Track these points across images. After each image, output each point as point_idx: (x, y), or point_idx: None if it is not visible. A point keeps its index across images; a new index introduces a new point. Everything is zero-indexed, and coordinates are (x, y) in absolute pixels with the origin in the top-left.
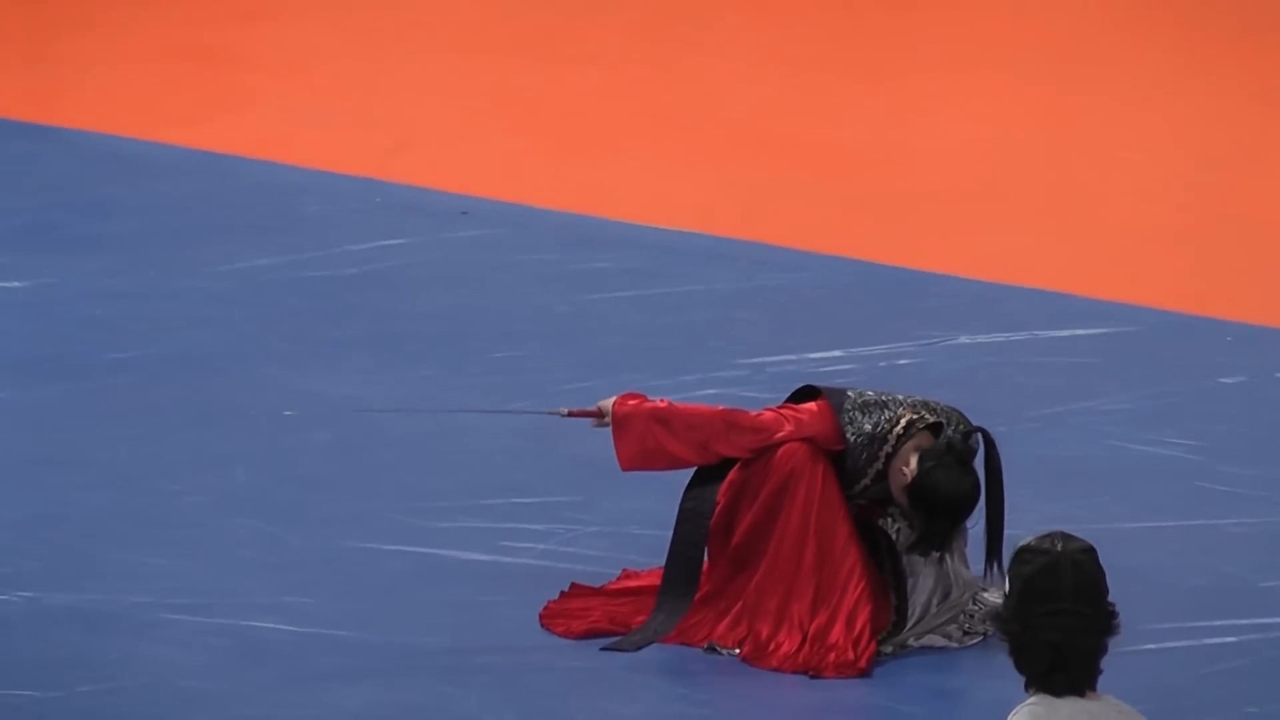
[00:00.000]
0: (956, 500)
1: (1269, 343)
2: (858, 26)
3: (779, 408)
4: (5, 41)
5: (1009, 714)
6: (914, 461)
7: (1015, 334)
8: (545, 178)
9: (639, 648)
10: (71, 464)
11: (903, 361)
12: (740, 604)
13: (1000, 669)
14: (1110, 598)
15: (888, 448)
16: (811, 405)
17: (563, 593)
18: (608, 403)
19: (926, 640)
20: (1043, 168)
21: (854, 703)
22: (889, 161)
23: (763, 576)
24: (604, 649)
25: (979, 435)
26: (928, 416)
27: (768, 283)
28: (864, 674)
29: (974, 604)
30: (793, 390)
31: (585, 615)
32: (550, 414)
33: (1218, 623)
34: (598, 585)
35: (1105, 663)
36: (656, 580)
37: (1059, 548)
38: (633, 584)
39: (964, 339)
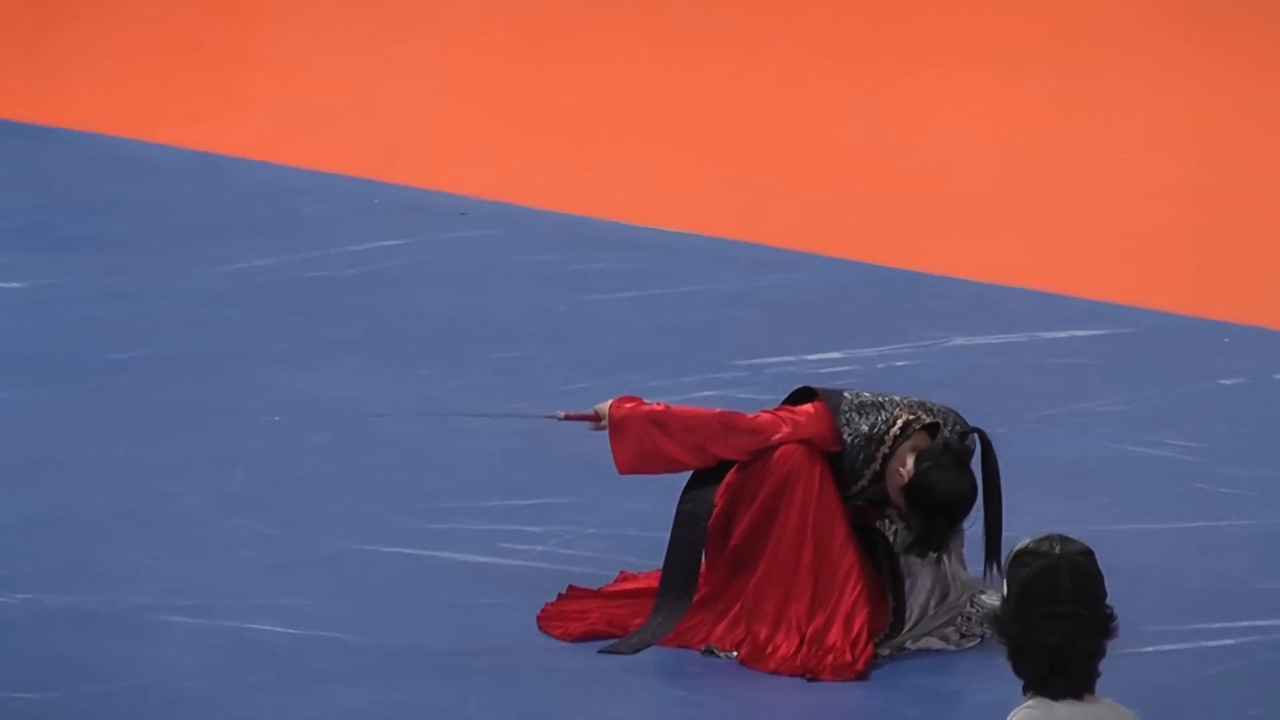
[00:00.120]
0: (953, 500)
1: (1268, 344)
2: (857, 27)
3: (776, 410)
4: (3, 41)
5: (1007, 717)
6: (911, 462)
7: (1014, 335)
8: (543, 178)
9: (637, 650)
10: (70, 465)
11: (901, 363)
12: (738, 606)
13: (998, 671)
14: (1109, 600)
15: (885, 449)
16: (808, 407)
17: (560, 595)
18: (604, 406)
19: (924, 642)
20: (1042, 168)
21: (852, 705)
22: (888, 162)
23: (760, 578)
24: (602, 651)
25: (976, 436)
26: (924, 417)
27: (766, 284)
28: (861, 676)
29: (971, 606)
30: (790, 391)
31: (583, 617)
32: (547, 418)
33: (1217, 625)
34: (595, 587)
35: (1104, 665)
36: (654, 582)
37: (1057, 550)
38: (630, 586)
39: (962, 340)
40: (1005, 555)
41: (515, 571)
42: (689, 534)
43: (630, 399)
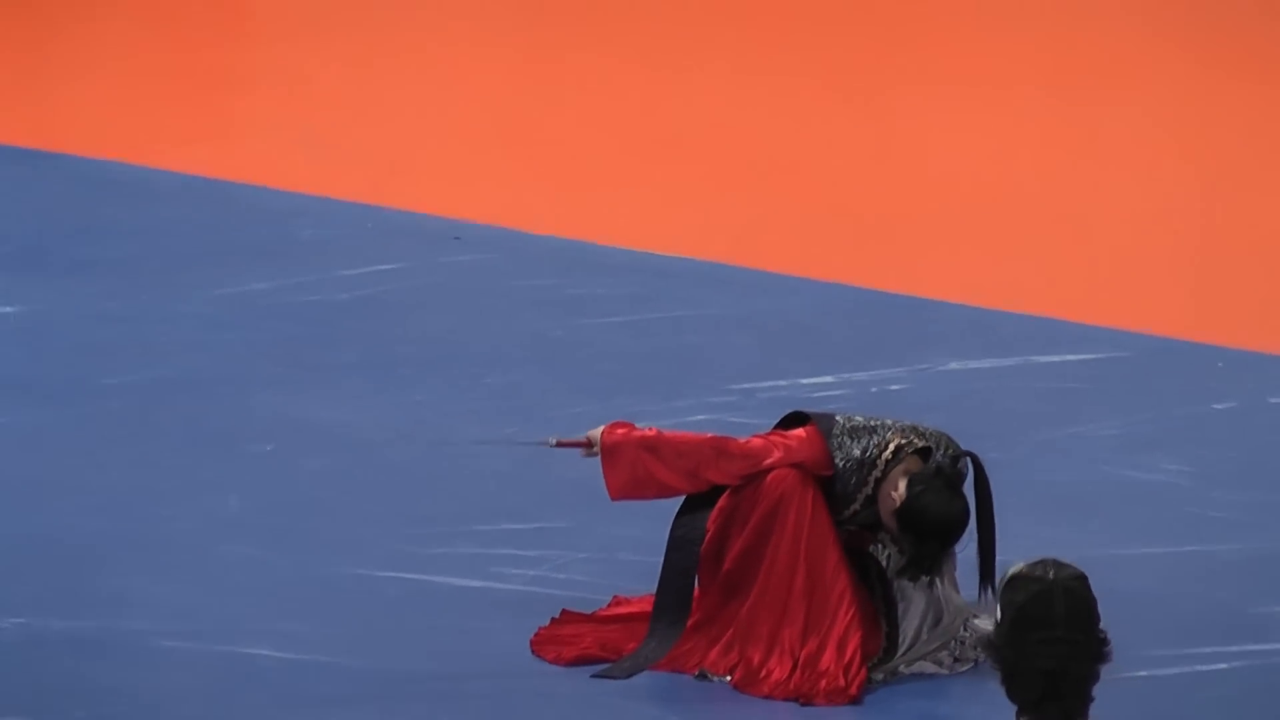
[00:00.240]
0: (945, 523)
1: (1261, 368)
2: (852, 51)
3: (768, 434)
4: None
5: None
6: (903, 486)
7: (1008, 359)
8: (538, 203)
9: (630, 674)
10: (65, 489)
11: (895, 387)
12: (731, 630)
13: (992, 696)
14: (1103, 624)
15: (877, 473)
16: (800, 431)
17: (554, 619)
18: (596, 432)
19: (918, 667)
20: (1037, 193)
21: None
22: (882, 186)
23: (753, 603)
24: (595, 675)
25: (968, 459)
26: (916, 441)
27: (760, 308)
28: (855, 701)
29: (965, 630)
30: (782, 416)
31: (577, 642)
32: (539, 444)
33: (1210, 649)
34: (589, 611)
35: (1098, 690)
36: (648, 607)
37: (1051, 575)
38: (624, 610)
39: (956, 364)
40: (999, 579)
41: (509, 595)
42: (682, 559)
43: (622, 425)
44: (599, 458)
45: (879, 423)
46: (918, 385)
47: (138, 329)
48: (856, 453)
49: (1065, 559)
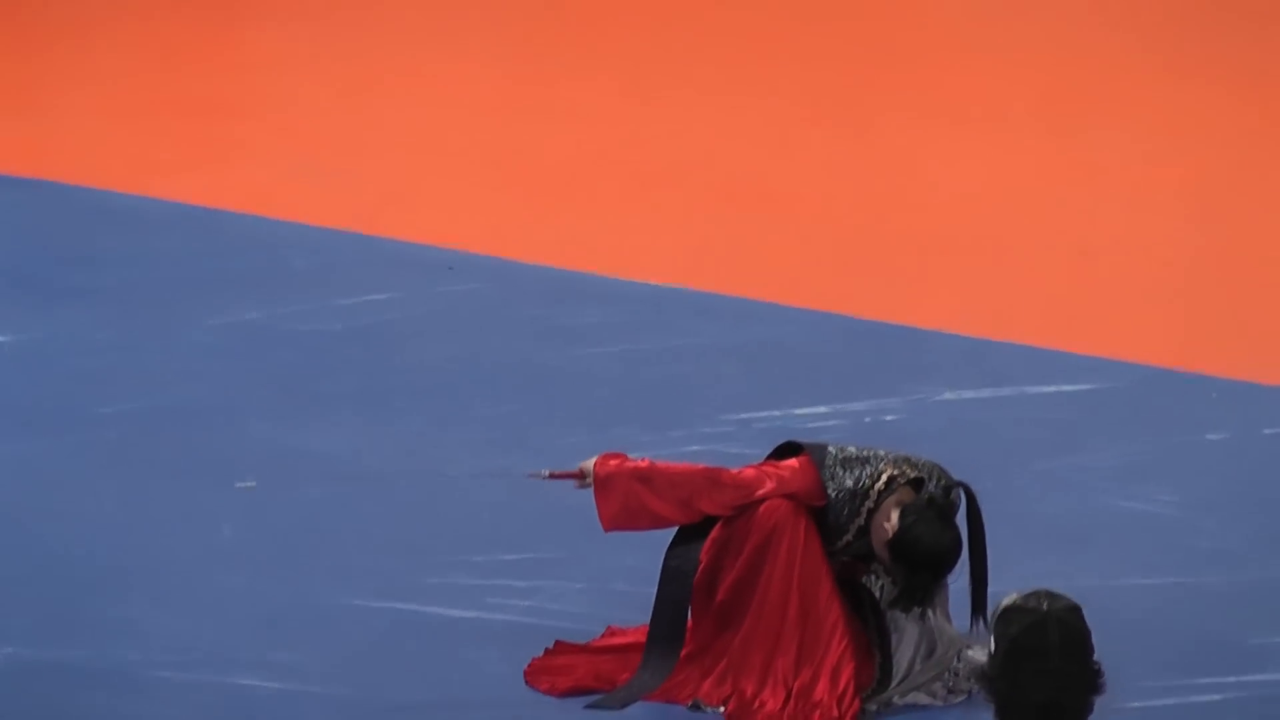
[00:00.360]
0: (937, 554)
1: (1254, 399)
2: (846, 80)
3: (761, 464)
4: None
5: None
6: (895, 516)
7: (1002, 389)
8: (531, 232)
9: (624, 705)
10: (58, 517)
11: (889, 417)
12: (725, 661)
13: None
14: (1097, 655)
15: (869, 503)
16: (793, 461)
17: (548, 649)
18: (589, 463)
19: (911, 698)
20: (1032, 223)
21: None
22: (876, 216)
23: (746, 633)
24: (589, 706)
25: (960, 490)
26: (909, 471)
27: (754, 337)
28: None
29: (959, 661)
30: (775, 446)
31: (570, 672)
32: (530, 477)
33: (1205, 680)
34: (583, 642)
35: None
36: (642, 637)
37: (1045, 606)
38: (618, 641)
39: (950, 394)
40: (992, 610)
41: (502, 626)
42: (675, 590)
43: (615, 456)
44: (592, 489)
45: (872, 453)
46: (912, 415)
47: (133, 358)
48: (849, 483)
49: (1059, 590)
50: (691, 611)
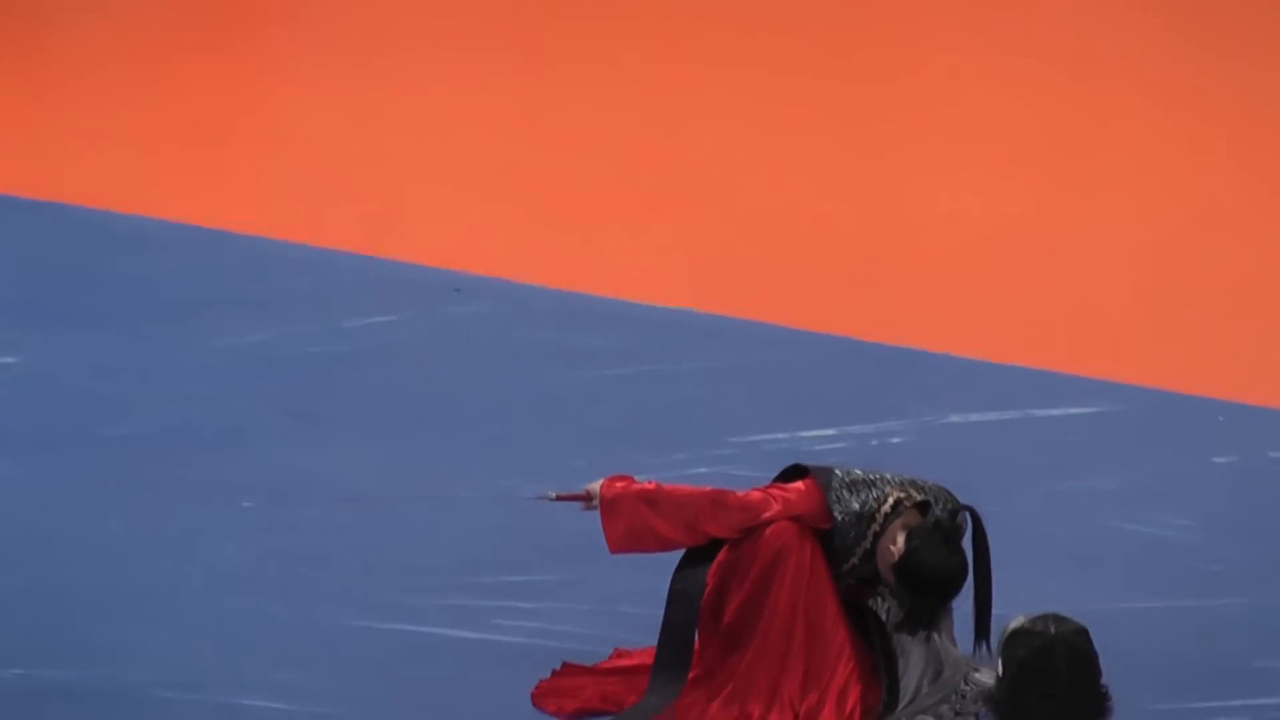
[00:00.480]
0: (943, 578)
1: (1261, 422)
2: (851, 104)
3: (767, 487)
4: None
5: None
6: (901, 539)
7: (1008, 412)
8: (538, 254)
9: None
10: (62, 539)
11: (896, 439)
12: (732, 684)
13: None
14: (1104, 679)
15: (875, 526)
16: (799, 484)
17: (555, 671)
18: (595, 485)
19: None
20: (1038, 245)
21: None
22: (882, 239)
23: (753, 656)
24: None
25: (966, 514)
26: (915, 495)
27: (760, 360)
28: None
29: (966, 684)
30: (781, 469)
31: (577, 694)
32: (538, 499)
33: (1212, 704)
34: (590, 664)
35: None
36: (649, 659)
37: (1053, 630)
38: (625, 663)
39: (957, 417)
40: (1000, 634)
41: (509, 648)
42: (682, 612)
43: (621, 478)
44: (598, 511)
45: (878, 476)
46: (918, 438)
47: (136, 379)
48: (855, 506)
49: (1066, 613)
50: (699, 634)
